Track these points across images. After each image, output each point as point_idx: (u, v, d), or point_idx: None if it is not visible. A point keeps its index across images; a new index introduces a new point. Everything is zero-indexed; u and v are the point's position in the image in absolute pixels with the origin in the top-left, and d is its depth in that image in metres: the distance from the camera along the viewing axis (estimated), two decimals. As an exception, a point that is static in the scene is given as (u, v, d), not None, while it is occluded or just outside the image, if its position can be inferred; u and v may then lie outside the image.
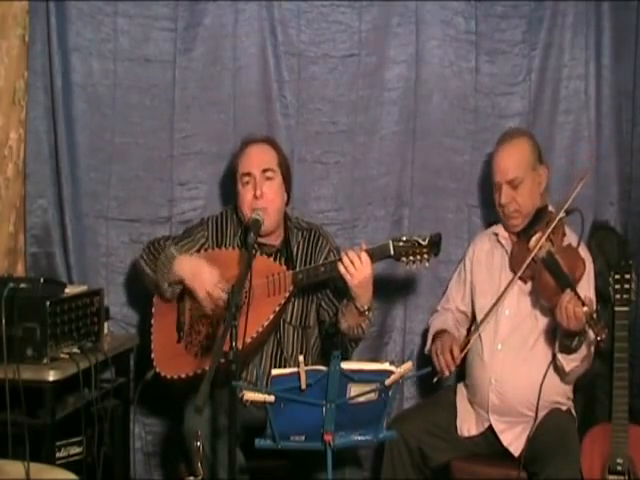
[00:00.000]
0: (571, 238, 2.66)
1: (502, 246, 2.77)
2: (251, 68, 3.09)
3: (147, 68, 3.07)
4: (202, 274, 2.49)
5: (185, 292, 2.58)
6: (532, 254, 2.58)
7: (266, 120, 3.09)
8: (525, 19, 3.10)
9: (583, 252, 2.63)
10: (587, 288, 2.58)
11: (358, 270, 2.35)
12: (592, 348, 2.56)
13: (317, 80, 3.10)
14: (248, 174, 2.60)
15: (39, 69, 3.00)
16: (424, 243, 2.41)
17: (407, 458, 2.61)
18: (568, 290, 2.42)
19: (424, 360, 3.10)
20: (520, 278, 2.64)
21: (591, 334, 2.41)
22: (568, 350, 2.49)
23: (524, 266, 2.59)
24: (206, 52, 3.08)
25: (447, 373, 2.65)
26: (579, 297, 2.39)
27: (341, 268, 2.37)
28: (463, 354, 2.67)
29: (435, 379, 2.65)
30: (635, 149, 3.06)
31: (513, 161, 2.69)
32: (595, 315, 2.36)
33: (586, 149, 3.10)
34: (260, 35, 3.08)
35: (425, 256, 2.42)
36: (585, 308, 2.36)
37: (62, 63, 2.98)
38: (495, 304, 2.66)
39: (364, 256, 2.36)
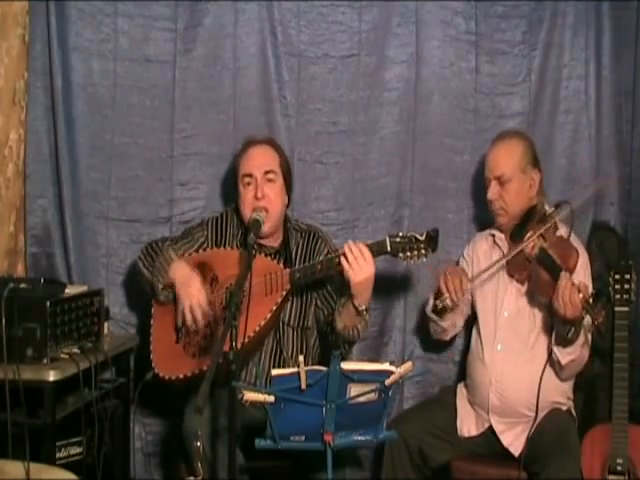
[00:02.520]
0: (562, 230, 2.65)
1: (499, 247, 2.77)
2: (251, 68, 3.08)
3: (147, 68, 3.06)
4: (192, 287, 2.48)
5: None
6: (526, 254, 2.58)
7: (266, 120, 3.09)
8: (525, 19, 3.10)
9: (575, 242, 2.61)
10: (583, 275, 2.57)
11: (362, 268, 2.35)
12: (589, 336, 2.54)
13: (317, 80, 3.10)
14: (249, 175, 2.60)
15: (39, 69, 3.00)
16: (421, 238, 2.41)
17: (407, 458, 2.61)
18: (562, 274, 2.41)
19: (424, 360, 3.11)
20: (517, 280, 2.65)
21: (588, 319, 2.40)
22: (564, 342, 2.48)
23: (519, 265, 2.60)
24: (206, 52, 3.08)
25: (455, 298, 2.63)
26: (573, 284, 2.39)
27: (345, 264, 2.36)
28: (470, 287, 2.67)
29: (439, 303, 2.64)
30: (635, 149, 3.06)
31: (502, 159, 2.70)
32: (591, 300, 2.36)
33: (586, 149, 3.10)
34: (260, 35, 3.08)
35: (422, 251, 2.41)
36: (580, 294, 2.36)
37: (62, 63, 2.98)
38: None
39: (368, 254, 2.36)
